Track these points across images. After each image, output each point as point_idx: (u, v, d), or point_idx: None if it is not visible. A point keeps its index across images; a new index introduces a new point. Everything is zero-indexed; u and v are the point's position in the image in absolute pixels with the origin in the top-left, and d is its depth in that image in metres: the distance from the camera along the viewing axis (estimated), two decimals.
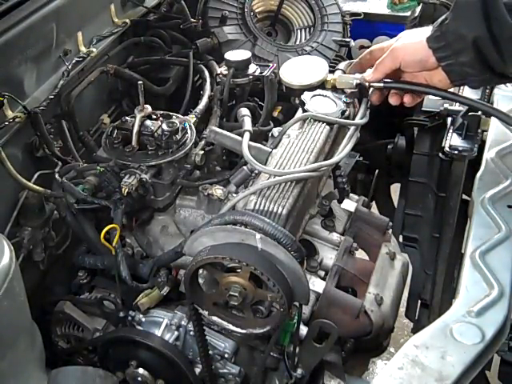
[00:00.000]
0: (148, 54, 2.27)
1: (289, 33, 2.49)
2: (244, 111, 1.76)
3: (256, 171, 1.52)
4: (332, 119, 1.62)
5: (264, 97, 1.93)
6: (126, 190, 1.52)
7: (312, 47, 2.33)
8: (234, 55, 1.92)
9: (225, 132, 1.67)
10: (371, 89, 1.48)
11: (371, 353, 1.72)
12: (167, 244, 1.66)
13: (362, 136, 1.73)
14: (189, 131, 1.66)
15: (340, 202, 1.83)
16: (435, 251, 2.10)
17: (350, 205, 1.86)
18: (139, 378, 1.58)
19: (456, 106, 1.97)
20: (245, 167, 1.54)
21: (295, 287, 1.31)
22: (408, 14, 2.54)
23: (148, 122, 1.62)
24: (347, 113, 1.68)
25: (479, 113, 1.83)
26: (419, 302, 2.13)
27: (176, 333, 1.58)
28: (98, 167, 1.62)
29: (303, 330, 1.49)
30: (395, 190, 2.49)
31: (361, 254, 1.77)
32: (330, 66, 2.25)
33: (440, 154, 1.89)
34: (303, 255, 1.35)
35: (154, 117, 1.65)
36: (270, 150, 1.56)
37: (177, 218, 1.69)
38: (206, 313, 1.41)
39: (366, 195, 1.96)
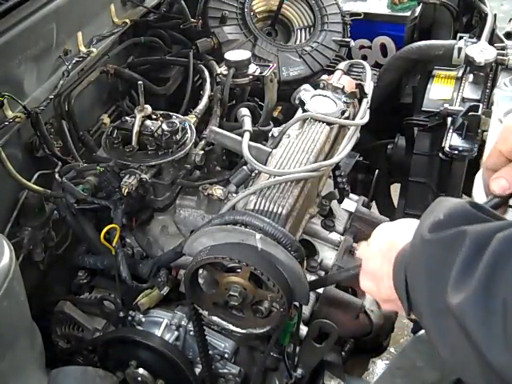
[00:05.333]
0: (148, 54, 2.27)
1: (289, 33, 2.48)
2: (244, 111, 1.76)
3: (256, 171, 1.51)
4: (332, 119, 1.62)
5: (264, 97, 1.93)
6: (126, 190, 1.52)
7: (312, 47, 2.33)
8: (234, 55, 1.91)
9: (225, 132, 1.66)
10: None
11: (371, 353, 1.72)
12: (167, 244, 1.66)
13: (362, 136, 1.73)
14: (189, 131, 1.66)
15: (340, 202, 1.83)
16: None
17: (350, 205, 1.85)
18: (139, 378, 1.58)
19: (456, 106, 1.96)
20: (245, 167, 1.53)
21: (295, 287, 1.31)
22: (408, 13, 2.54)
23: (148, 122, 1.61)
24: (347, 113, 1.68)
25: (479, 113, 1.83)
26: None
27: (176, 333, 1.58)
28: (98, 167, 1.62)
29: (303, 329, 1.49)
30: (395, 189, 2.49)
31: None
32: (329, 66, 2.28)
33: (440, 154, 1.89)
34: (303, 255, 1.35)
35: (154, 117, 1.64)
36: (270, 149, 1.56)
37: (177, 218, 1.69)
38: (205, 313, 1.41)
39: (366, 195, 1.95)
